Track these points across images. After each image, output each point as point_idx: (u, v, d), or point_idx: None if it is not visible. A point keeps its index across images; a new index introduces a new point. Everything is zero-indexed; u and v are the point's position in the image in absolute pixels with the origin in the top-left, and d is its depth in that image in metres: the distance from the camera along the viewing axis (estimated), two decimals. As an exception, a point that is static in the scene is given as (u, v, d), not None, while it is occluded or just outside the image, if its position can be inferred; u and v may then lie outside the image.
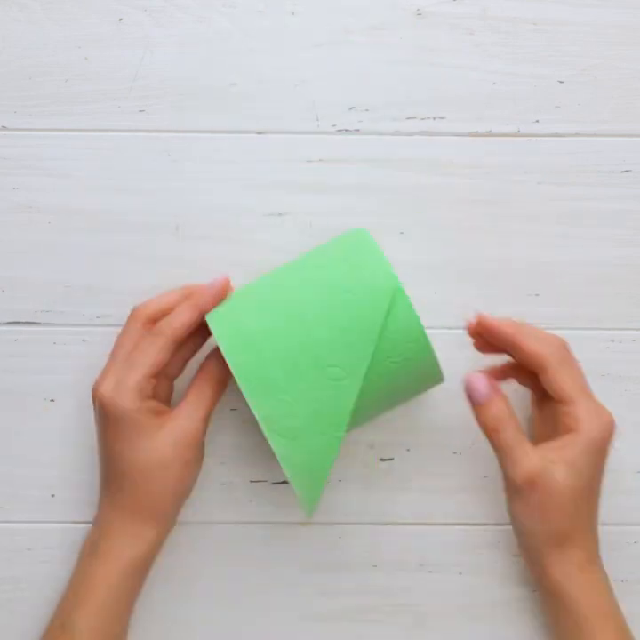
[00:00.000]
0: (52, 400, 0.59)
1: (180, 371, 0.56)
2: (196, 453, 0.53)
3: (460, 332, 0.58)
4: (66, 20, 0.58)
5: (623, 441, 0.59)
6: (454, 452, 0.59)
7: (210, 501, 0.58)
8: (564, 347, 0.53)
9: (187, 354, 0.55)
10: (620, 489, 0.59)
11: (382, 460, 0.59)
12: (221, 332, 0.51)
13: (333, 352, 0.50)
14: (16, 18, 0.58)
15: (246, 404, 0.58)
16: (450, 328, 0.58)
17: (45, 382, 0.59)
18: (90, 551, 0.54)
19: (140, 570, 0.54)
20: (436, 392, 0.58)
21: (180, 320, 0.52)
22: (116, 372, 0.52)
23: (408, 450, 0.59)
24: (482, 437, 0.59)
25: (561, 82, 0.58)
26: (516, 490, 0.51)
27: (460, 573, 0.59)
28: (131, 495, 0.53)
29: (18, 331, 0.58)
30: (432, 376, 0.53)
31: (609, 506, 0.59)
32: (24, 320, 0.58)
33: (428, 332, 0.58)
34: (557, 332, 0.59)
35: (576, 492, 0.51)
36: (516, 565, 0.59)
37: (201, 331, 0.54)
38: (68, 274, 0.58)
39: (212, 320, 0.52)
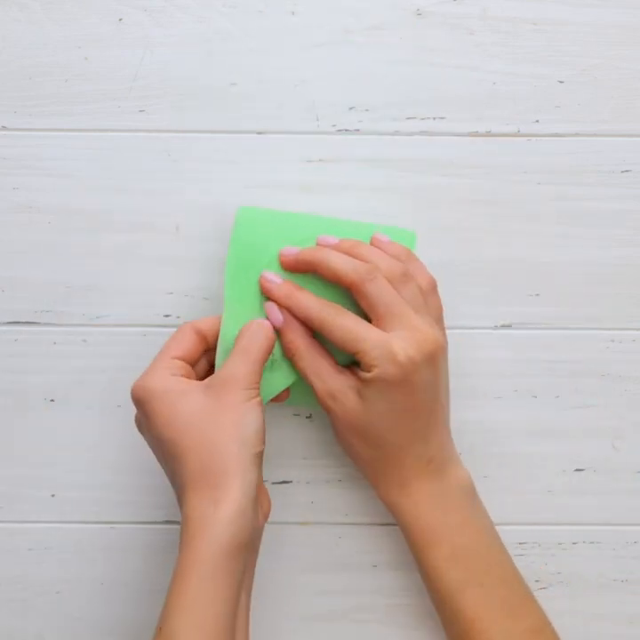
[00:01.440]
0: (52, 400, 0.59)
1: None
2: (248, 400, 0.50)
3: (460, 331, 0.59)
4: (66, 20, 0.58)
5: (623, 441, 0.59)
6: (454, 452, 0.59)
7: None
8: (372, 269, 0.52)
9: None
10: (620, 489, 0.59)
11: (382, 459, 0.59)
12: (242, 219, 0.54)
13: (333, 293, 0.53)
14: (16, 18, 0.58)
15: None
16: (449, 328, 0.58)
17: (45, 382, 0.59)
18: (179, 546, 0.48)
19: (236, 550, 0.47)
20: (435, 392, 0.58)
21: (203, 318, 0.54)
22: (154, 366, 0.52)
23: (408, 450, 0.59)
24: (482, 437, 0.59)
25: (561, 82, 0.58)
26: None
27: (460, 573, 0.59)
28: (192, 461, 0.48)
29: (18, 331, 0.58)
30: None
31: (609, 506, 0.59)
32: (24, 320, 0.58)
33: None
34: (557, 332, 0.59)
35: (369, 417, 0.52)
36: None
37: None
38: (68, 274, 0.58)
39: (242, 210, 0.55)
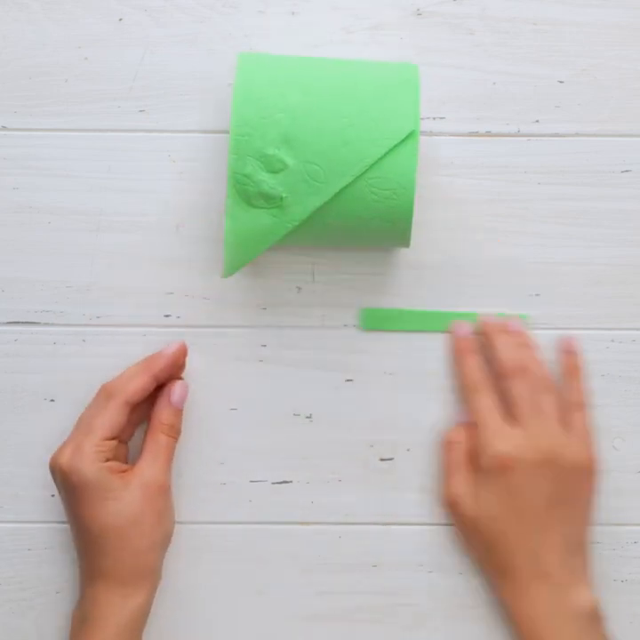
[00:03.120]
0: (52, 400, 0.59)
1: (132, 434, 0.56)
2: (166, 501, 0.54)
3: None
4: (66, 20, 0.58)
5: (623, 441, 0.59)
6: (454, 452, 0.59)
7: (210, 501, 0.58)
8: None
9: (139, 418, 0.56)
10: (620, 489, 0.59)
11: (382, 459, 0.59)
12: (244, 69, 0.52)
13: (321, 154, 0.51)
14: (16, 18, 0.58)
15: (246, 404, 0.58)
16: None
17: (45, 382, 0.59)
18: (79, 623, 0.53)
19: (135, 629, 0.53)
20: (435, 392, 0.58)
21: (133, 384, 0.54)
22: (74, 440, 0.54)
23: (408, 450, 0.59)
24: (482, 437, 0.59)
25: (561, 82, 0.58)
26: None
27: (460, 573, 0.59)
28: (111, 559, 0.52)
29: (18, 331, 0.58)
30: (402, 231, 0.53)
31: (609, 506, 0.59)
32: (24, 320, 0.58)
33: (426, 332, 0.59)
34: (557, 332, 0.59)
35: (478, 510, 0.54)
36: (515, 565, 0.59)
37: (152, 396, 0.56)
38: (68, 274, 0.58)
39: (243, 57, 0.53)
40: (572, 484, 0.55)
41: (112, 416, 0.53)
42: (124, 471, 0.53)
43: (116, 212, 0.58)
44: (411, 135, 0.51)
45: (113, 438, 0.53)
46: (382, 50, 0.58)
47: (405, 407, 0.58)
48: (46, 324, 0.59)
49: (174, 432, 0.56)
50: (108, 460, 0.53)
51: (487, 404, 0.55)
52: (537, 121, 0.58)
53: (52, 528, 0.59)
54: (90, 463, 0.52)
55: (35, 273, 0.58)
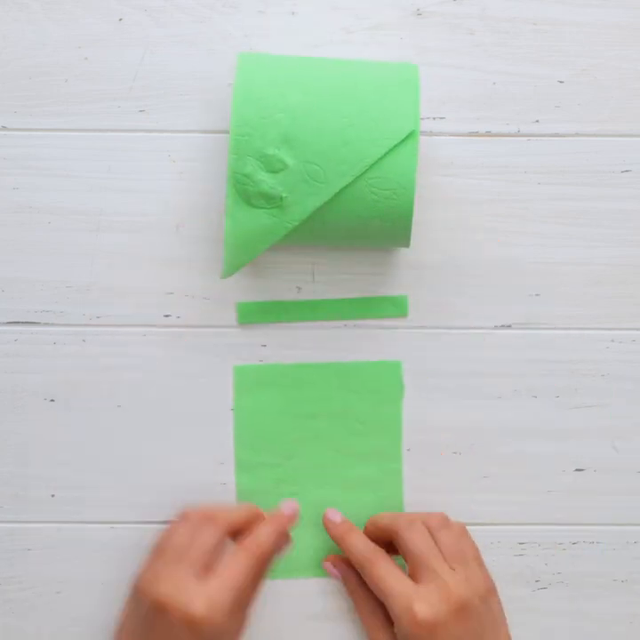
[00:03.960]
0: (52, 400, 0.59)
1: None
2: None
3: (460, 332, 0.59)
4: (66, 20, 0.58)
5: (623, 441, 0.59)
6: (454, 452, 0.59)
7: (210, 501, 0.58)
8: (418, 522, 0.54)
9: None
10: (620, 489, 0.59)
11: (382, 460, 0.59)
12: (245, 68, 0.52)
13: (321, 154, 0.51)
14: (16, 18, 0.58)
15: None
16: (449, 328, 0.58)
17: (45, 382, 0.59)
18: None
19: None
20: (435, 392, 0.58)
21: (268, 542, 0.53)
22: (206, 589, 0.50)
23: (408, 450, 0.59)
24: (482, 437, 0.59)
25: (561, 82, 0.58)
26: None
27: (460, 573, 0.59)
28: None
29: (18, 331, 0.58)
30: (402, 231, 0.53)
31: (609, 506, 0.59)
32: (24, 320, 0.58)
33: (425, 331, 0.59)
34: (557, 332, 0.59)
35: None
36: (516, 565, 0.59)
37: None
38: (68, 274, 0.58)
39: (243, 57, 0.53)
40: (487, 617, 0.52)
41: (249, 572, 0.51)
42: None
43: (116, 212, 0.58)
44: (411, 135, 0.51)
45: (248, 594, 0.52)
46: (382, 50, 0.58)
47: (406, 407, 0.58)
48: (46, 324, 0.59)
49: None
50: (244, 618, 0.52)
51: (385, 568, 0.53)
52: (537, 121, 0.58)
53: (52, 528, 0.59)
54: (228, 619, 0.50)
55: (35, 273, 0.58)
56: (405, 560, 0.53)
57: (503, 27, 0.58)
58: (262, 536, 0.53)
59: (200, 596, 0.49)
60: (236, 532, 0.54)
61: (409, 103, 0.51)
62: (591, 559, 0.59)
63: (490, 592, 0.53)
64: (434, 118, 0.58)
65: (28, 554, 0.59)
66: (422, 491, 0.59)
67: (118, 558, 0.58)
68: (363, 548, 0.54)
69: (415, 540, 0.53)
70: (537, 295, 0.59)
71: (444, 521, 0.54)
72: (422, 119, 0.58)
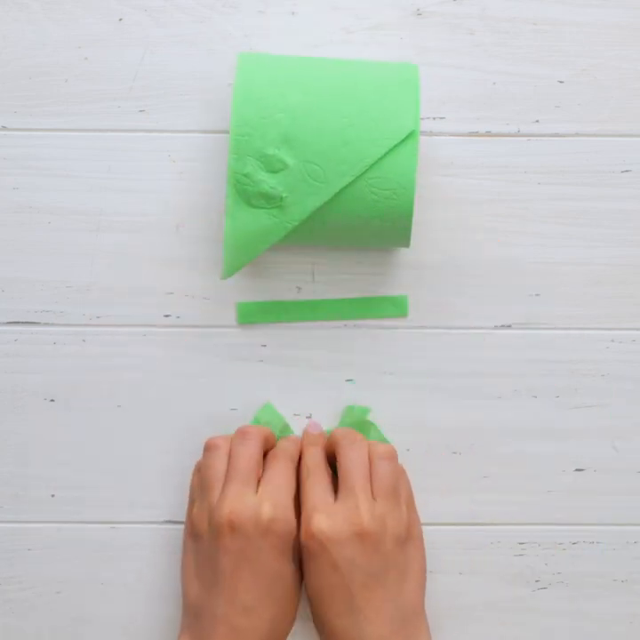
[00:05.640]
0: (52, 400, 0.59)
1: None
2: None
3: (460, 332, 0.59)
4: (66, 20, 0.58)
5: (623, 441, 0.59)
6: (454, 452, 0.59)
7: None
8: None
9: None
10: (620, 489, 0.59)
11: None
12: (245, 68, 0.52)
13: (321, 154, 0.51)
14: (16, 18, 0.58)
15: (246, 404, 0.58)
16: (449, 328, 0.58)
17: (45, 382, 0.59)
18: None
19: None
20: (435, 392, 0.58)
21: (291, 448, 0.56)
22: (265, 496, 0.52)
23: (408, 450, 0.59)
24: (482, 437, 0.59)
25: (561, 82, 0.58)
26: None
27: (461, 573, 0.59)
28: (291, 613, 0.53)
29: (18, 331, 0.58)
30: (402, 231, 0.53)
31: (609, 506, 0.59)
32: (24, 320, 0.58)
33: (425, 331, 0.59)
34: (557, 332, 0.59)
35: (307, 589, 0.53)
36: (516, 565, 0.59)
37: None
38: (68, 274, 0.58)
39: (243, 57, 0.53)
40: (394, 555, 0.53)
41: (293, 476, 0.54)
42: None
43: (116, 212, 0.58)
44: (411, 135, 0.51)
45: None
46: (382, 50, 0.58)
47: (405, 407, 0.58)
48: (46, 324, 0.59)
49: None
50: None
51: (314, 481, 0.54)
52: (537, 121, 0.58)
53: (52, 528, 0.59)
54: (294, 520, 0.53)
55: (35, 273, 0.58)
56: (339, 475, 0.54)
57: (503, 27, 0.58)
58: (286, 445, 0.56)
59: (264, 502, 0.52)
60: (268, 446, 0.56)
61: (409, 103, 0.51)
62: (591, 559, 0.59)
63: (411, 539, 0.54)
64: (434, 118, 0.58)
65: (28, 554, 0.59)
66: (422, 491, 0.58)
67: (118, 558, 0.58)
68: (308, 461, 0.55)
69: (351, 457, 0.54)
70: (537, 295, 0.59)
71: (389, 454, 0.55)
72: (422, 119, 0.58)
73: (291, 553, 0.53)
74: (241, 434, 0.55)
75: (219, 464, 0.54)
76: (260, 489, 0.53)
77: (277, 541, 0.52)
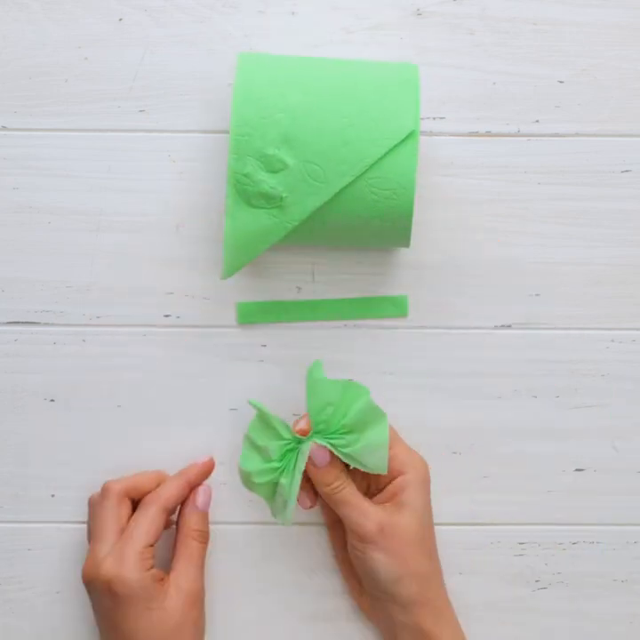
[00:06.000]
0: (52, 400, 0.59)
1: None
2: (201, 609, 0.54)
3: (460, 332, 0.59)
4: (66, 20, 0.58)
5: (623, 441, 0.59)
6: (454, 452, 0.59)
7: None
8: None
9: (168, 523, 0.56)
10: (620, 489, 0.59)
11: (382, 459, 0.59)
12: (245, 69, 0.52)
13: (321, 154, 0.51)
14: (16, 18, 0.58)
15: (246, 404, 0.58)
16: (449, 328, 0.58)
17: (45, 382, 0.59)
18: None
19: None
20: (435, 392, 0.58)
21: (170, 492, 0.55)
22: (112, 549, 0.52)
23: (408, 450, 0.59)
24: (482, 437, 0.59)
25: (561, 82, 0.58)
26: (370, 540, 0.53)
27: (461, 573, 0.59)
28: None
29: (18, 331, 0.58)
30: (402, 231, 0.53)
31: (609, 506, 0.59)
32: (24, 320, 0.58)
33: (425, 331, 0.59)
34: (557, 332, 0.59)
35: (422, 530, 0.54)
36: (516, 565, 0.59)
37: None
38: (68, 274, 0.58)
39: (243, 57, 0.53)
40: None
41: (152, 523, 0.53)
42: (162, 579, 0.53)
43: (116, 212, 0.58)
44: (411, 135, 0.51)
45: (152, 545, 0.53)
46: (382, 50, 0.58)
47: (405, 407, 0.58)
48: (46, 324, 0.59)
49: (204, 538, 0.55)
50: (151, 567, 0.52)
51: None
52: (537, 121, 0.58)
53: (52, 528, 0.59)
54: (136, 571, 0.51)
55: (35, 273, 0.58)
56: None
57: (503, 27, 0.58)
58: (164, 488, 0.55)
59: (107, 559, 0.51)
60: (137, 494, 0.55)
61: (409, 103, 0.51)
62: (591, 559, 0.59)
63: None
64: (434, 118, 0.58)
65: (28, 554, 0.59)
66: (422, 491, 0.59)
67: (118, 558, 0.58)
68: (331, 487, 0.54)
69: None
70: (537, 295, 0.59)
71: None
72: (422, 119, 0.58)
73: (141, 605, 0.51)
74: (103, 491, 0.55)
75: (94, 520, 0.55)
76: (117, 544, 0.52)
77: (119, 596, 0.51)
